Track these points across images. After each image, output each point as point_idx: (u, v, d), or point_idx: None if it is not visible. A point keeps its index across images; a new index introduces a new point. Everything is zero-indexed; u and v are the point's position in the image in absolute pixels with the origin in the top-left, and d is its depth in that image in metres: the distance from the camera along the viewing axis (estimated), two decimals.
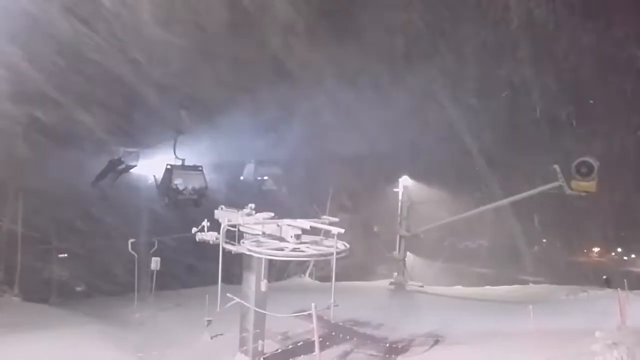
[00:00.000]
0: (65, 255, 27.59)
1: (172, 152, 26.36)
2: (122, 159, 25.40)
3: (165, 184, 24.18)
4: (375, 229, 42.69)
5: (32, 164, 24.37)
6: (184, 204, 23.69)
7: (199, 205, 23.76)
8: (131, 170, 26.58)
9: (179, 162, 24.75)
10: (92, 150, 25.40)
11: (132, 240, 23.33)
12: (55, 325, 18.25)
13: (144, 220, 27.28)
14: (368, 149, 32.49)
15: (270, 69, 28.72)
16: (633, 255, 57.81)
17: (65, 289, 27.19)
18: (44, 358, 14.07)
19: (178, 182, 23.64)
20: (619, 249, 58.69)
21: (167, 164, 24.46)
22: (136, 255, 23.38)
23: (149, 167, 26.91)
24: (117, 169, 25.57)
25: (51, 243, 26.86)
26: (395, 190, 33.48)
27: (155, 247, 23.94)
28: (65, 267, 27.87)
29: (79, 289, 28.48)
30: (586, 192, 26.67)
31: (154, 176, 24.88)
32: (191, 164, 25.01)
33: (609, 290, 24.71)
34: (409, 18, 31.41)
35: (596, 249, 59.34)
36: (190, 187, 23.96)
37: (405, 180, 33.41)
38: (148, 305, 22.94)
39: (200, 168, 24.73)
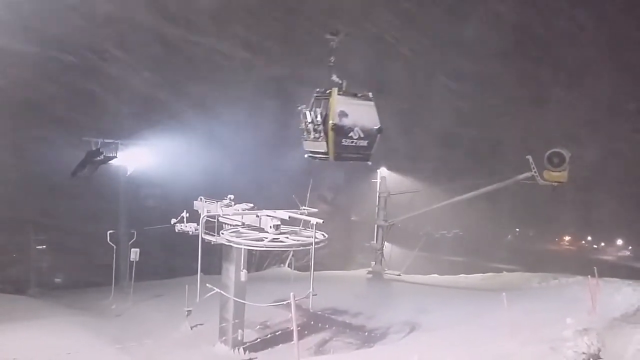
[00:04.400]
0: (44, 246, 27.25)
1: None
2: (101, 150, 25.06)
3: (322, 120, 14.86)
4: (354, 218, 43.02)
5: (8, 154, 24.05)
6: (350, 153, 15.05)
7: (367, 158, 15.54)
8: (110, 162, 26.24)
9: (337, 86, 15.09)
10: (70, 141, 25.06)
11: (111, 231, 23.21)
12: (33, 317, 18.13)
13: (122, 211, 27.04)
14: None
15: None
16: (603, 244, 59.32)
17: (43, 281, 26.91)
18: (21, 349, 13.99)
19: (343, 117, 14.48)
20: (589, 238, 60.18)
21: (317, 90, 15.24)
22: (114, 247, 23.29)
23: (129, 158, 26.58)
24: (95, 160, 25.21)
25: (29, 234, 26.50)
26: (373, 181, 33.75)
27: (134, 238, 23.84)
28: (44, 258, 27.56)
29: (57, 280, 28.21)
30: (558, 182, 27.25)
31: (301, 108, 15.29)
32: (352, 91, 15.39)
33: (579, 278, 25.32)
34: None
35: (567, 238, 60.73)
36: (359, 126, 14.92)
37: (383, 172, 33.71)
38: (127, 296, 22.89)
39: (371, 97, 15.37)
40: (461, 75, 35.95)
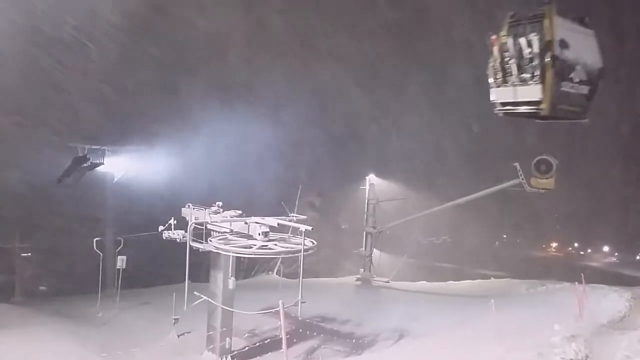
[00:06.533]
0: (29, 254, 26.89)
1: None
2: (87, 157, 24.83)
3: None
4: (343, 226, 43.00)
5: None
6: (567, 105, 9.78)
7: (585, 112, 10.09)
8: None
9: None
10: (56, 147, 24.81)
11: (97, 238, 22.99)
12: (17, 325, 17.88)
13: (109, 218, 26.80)
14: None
15: None
16: (589, 250, 59.87)
17: (28, 288, 26.57)
18: (4, 358, 13.81)
19: (564, 49, 9.32)
20: (576, 244, 60.71)
21: (510, 15, 9.98)
22: (101, 254, 23.06)
23: (115, 165, 26.36)
24: (81, 166, 24.97)
25: (14, 242, 26.14)
26: (362, 187, 33.80)
27: (121, 245, 23.63)
28: (28, 266, 27.18)
29: (42, 287, 27.85)
30: (545, 189, 27.47)
31: (496, 36, 9.85)
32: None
33: (566, 284, 25.50)
34: None
35: (554, 244, 61.21)
36: (581, 65, 9.62)
37: (371, 178, 33.78)
38: (114, 303, 22.66)
39: (587, 23, 9.92)
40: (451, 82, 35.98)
